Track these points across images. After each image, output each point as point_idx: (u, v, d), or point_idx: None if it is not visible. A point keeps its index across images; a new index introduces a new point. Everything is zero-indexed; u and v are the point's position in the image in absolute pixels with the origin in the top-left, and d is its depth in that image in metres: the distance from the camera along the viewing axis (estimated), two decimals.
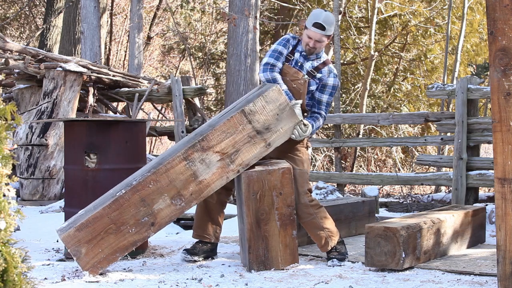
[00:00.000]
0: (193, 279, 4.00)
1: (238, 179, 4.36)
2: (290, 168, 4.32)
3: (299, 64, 4.59)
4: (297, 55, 4.59)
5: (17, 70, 8.31)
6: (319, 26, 4.42)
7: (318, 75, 4.61)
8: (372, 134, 14.09)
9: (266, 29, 16.30)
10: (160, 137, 12.57)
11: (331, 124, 10.65)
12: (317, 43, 4.50)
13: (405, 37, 14.92)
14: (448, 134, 8.26)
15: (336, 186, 8.21)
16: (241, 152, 4.24)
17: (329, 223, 4.55)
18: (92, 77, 8.74)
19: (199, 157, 4.19)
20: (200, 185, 4.20)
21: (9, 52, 8.52)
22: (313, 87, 4.62)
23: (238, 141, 4.24)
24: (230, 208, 6.99)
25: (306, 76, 4.57)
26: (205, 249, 4.67)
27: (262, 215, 4.26)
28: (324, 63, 4.65)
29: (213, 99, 17.41)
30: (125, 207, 4.11)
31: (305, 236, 5.17)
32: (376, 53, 13.87)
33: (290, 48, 4.60)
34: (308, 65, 4.60)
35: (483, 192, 8.24)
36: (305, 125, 4.35)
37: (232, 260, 4.61)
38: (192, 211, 6.87)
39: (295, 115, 4.34)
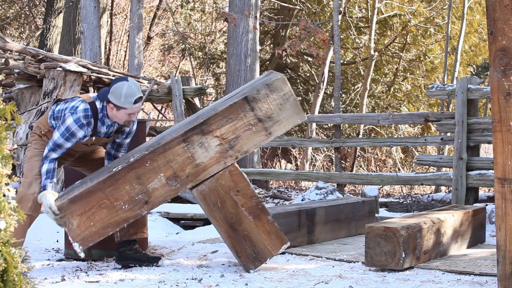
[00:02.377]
0: (193, 279, 4.00)
1: (194, 198, 4.33)
2: (235, 165, 4.26)
3: (110, 132, 4.43)
4: (104, 128, 4.37)
5: (17, 70, 8.31)
6: (139, 99, 4.28)
7: (125, 129, 4.48)
8: (372, 134, 14.09)
9: (266, 29, 16.30)
10: None
11: (331, 124, 10.65)
12: (135, 115, 4.37)
13: (405, 37, 14.93)
14: (448, 134, 8.26)
15: (336, 186, 8.21)
16: (241, 138, 4.21)
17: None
18: (92, 77, 8.74)
19: (198, 140, 4.16)
20: (197, 168, 4.17)
21: (9, 52, 8.51)
22: (120, 139, 4.52)
23: (239, 127, 4.21)
24: None
25: (115, 135, 4.46)
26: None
27: (232, 219, 4.23)
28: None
29: (213, 99, 17.41)
30: (120, 183, 4.09)
31: (305, 236, 5.18)
32: (376, 53, 13.87)
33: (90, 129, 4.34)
34: (115, 127, 4.41)
35: (483, 192, 8.24)
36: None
37: (232, 260, 4.61)
38: (193, 211, 6.87)
39: (298, 106, 4.31)
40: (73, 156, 4.50)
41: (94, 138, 4.36)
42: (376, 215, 6.55)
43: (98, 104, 4.30)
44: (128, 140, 4.57)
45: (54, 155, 4.25)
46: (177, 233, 6.43)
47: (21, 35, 18.72)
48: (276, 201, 8.96)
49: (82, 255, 4.05)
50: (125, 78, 4.32)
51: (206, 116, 4.19)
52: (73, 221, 4.06)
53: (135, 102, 4.25)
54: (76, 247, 4.03)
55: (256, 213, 4.26)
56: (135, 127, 4.56)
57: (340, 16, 11.13)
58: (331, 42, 11.52)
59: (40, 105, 8.23)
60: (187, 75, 13.45)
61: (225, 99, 4.47)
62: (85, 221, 4.06)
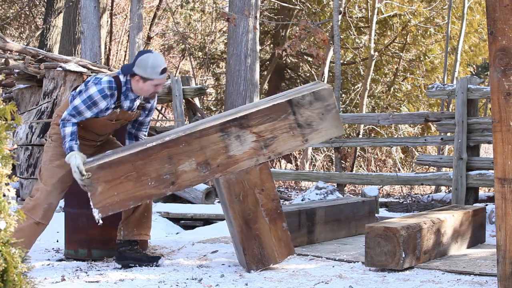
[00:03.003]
0: (193, 279, 4.00)
1: (217, 184, 4.34)
2: (267, 164, 4.28)
3: (133, 107, 4.44)
4: (127, 102, 4.38)
5: (17, 70, 8.31)
6: (165, 70, 4.31)
7: (147, 105, 4.51)
8: (372, 134, 14.09)
9: (266, 29, 16.30)
10: None
11: None
12: (161, 86, 4.41)
13: (405, 37, 14.92)
14: (448, 134, 8.26)
15: (336, 186, 8.21)
16: (277, 139, 4.23)
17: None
18: None
19: (236, 132, 4.18)
20: (229, 160, 4.18)
21: (9, 52, 8.52)
22: (142, 116, 4.54)
23: (278, 128, 4.23)
24: None
25: (138, 112, 4.47)
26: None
27: (249, 215, 4.23)
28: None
29: (213, 99, 17.42)
30: (151, 159, 4.10)
31: (305, 236, 5.18)
32: (376, 53, 13.87)
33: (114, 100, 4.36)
34: (138, 101, 4.44)
35: (483, 192, 8.24)
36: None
37: (232, 260, 4.60)
38: (193, 211, 6.87)
39: (339, 120, 4.34)
40: (95, 143, 4.49)
41: (118, 111, 4.33)
42: (376, 215, 6.55)
43: (122, 78, 4.30)
44: (149, 119, 4.59)
45: (74, 120, 4.23)
46: (177, 233, 6.43)
47: (21, 35, 18.72)
48: None
49: (100, 222, 4.05)
50: (150, 50, 4.36)
51: (248, 111, 4.24)
52: (98, 187, 4.05)
53: (161, 72, 4.27)
54: (95, 213, 4.03)
55: (273, 216, 4.27)
56: (155, 103, 4.58)
57: (340, 16, 11.13)
58: (331, 42, 11.52)
59: (40, 105, 8.23)
60: (187, 75, 13.44)
61: (269, 99, 4.53)
62: (109, 189, 4.05)
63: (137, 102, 4.42)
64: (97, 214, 4.02)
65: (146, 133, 4.63)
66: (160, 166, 4.10)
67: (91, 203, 4.04)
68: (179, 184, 4.14)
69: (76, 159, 4.06)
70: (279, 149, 4.24)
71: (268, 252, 4.26)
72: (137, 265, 4.42)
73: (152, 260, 4.45)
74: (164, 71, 4.28)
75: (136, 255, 4.46)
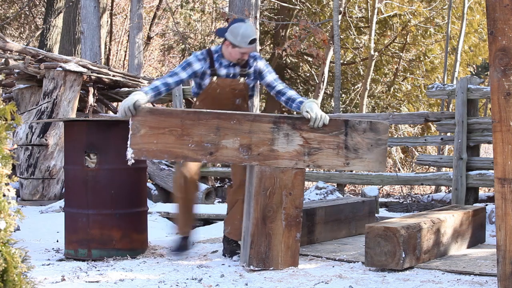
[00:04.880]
0: (193, 279, 4.00)
1: (250, 173, 4.38)
2: (303, 170, 4.33)
3: (230, 74, 4.71)
4: (222, 68, 4.70)
5: (17, 70, 8.31)
6: (253, 41, 4.57)
7: (249, 71, 4.73)
8: None
9: (266, 29, 16.30)
10: None
11: None
12: (247, 54, 4.67)
13: (405, 37, 14.92)
14: (448, 134, 8.26)
15: (336, 186, 8.21)
16: (321, 152, 4.31)
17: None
18: (92, 77, 8.74)
19: (287, 130, 4.27)
20: (270, 153, 4.25)
21: (9, 52, 8.52)
22: (252, 83, 4.77)
23: (326, 141, 4.32)
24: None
25: (242, 79, 4.71)
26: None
27: (269, 212, 4.26)
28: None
29: None
30: (200, 123, 4.18)
31: (305, 236, 5.18)
32: (376, 53, 13.87)
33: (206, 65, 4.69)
34: (237, 69, 4.71)
35: (483, 192, 8.24)
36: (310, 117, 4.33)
37: (232, 260, 4.60)
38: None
39: (385, 157, 4.41)
40: None
41: (215, 79, 4.65)
42: (376, 215, 6.55)
43: (213, 48, 4.71)
44: (269, 79, 4.70)
45: (169, 80, 4.55)
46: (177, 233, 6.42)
47: (21, 35, 18.72)
48: None
49: (130, 162, 4.13)
50: (243, 20, 4.67)
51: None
52: (141, 129, 4.14)
53: (250, 42, 4.54)
54: (129, 152, 4.11)
55: (291, 223, 4.30)
56: (259, 63, 4.73)
57: (340, 16, 11.14)
58: (331, 42, 11.52)
59: (40, 105, 8.23)
60: None
61: (331, 115, 4.67)
62: (151, 135, 4.14)
63: (235, 70, 4.67)
64: (130, 154, 4.12)
65: (283, 85, 4.70)
66: (205, 132, 4.20)
67: (128, 142, 4.14)
68: (216, 157, 4.23)
69: (133, 95, 4.23)
70: (319, 162, 4.32)
71: (274, 255, 4.28)
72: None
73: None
74: (252, 41, 4.55)
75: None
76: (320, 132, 4.30)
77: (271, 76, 4.73)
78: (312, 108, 4.34)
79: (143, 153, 4.14)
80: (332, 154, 4.32)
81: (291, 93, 4.63)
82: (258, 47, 10.78)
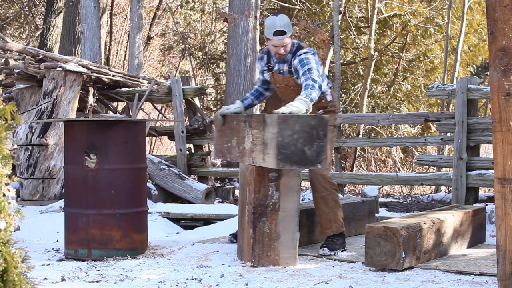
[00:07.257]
0: (193, 279, 4.00)
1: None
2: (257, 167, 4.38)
3: (281, 70, 4.84)
4: (275, 65, 4.87)
5: (17, 70, 8.31)
6: (279, 33, 4.61)
7: (292, 68, 4.78)
8: (372, 134, 14.09)
9: None
10: (160, 137, 12.57)
11: None
12: (282, 48, 4.70)
13: (405, 37, 14.91)
14: (448, 134, 8.25)
15: None
16: (256, 148, 4.48)
17: (339, 210, 4.81)
18: (92, 77, 8.74)
19: (247, 128, 4.51)
20: (243, 150, 4.50)
21: (9, 52, 8.52)
22: (299, 80, 4.76)
23: (259, 138, 4.49)
24: (230, 209, 6.99)
25: (289, 76, 4.80)
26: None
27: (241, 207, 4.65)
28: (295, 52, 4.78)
29: (213, 99, 17.41)
30: (239, 128, 4.53)
31: (305, 236, 5.17)
32: (376, 53, 13.87)
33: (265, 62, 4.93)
34: (285, 66, 4.80)
35: (483, 192, 8.24)
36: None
37: (232, 260, 4.60)
38: (193, 211, 6.86)
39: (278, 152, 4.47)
40: None
41: (271, 74, 4.87)
42: (376, 215, 6.55)
43: None
44: (301, 78, 4.58)
45: (257, 84, 5.08)
46: (177, 233, 6.42)
47: (21, 35, 18.72)
48: None
49: (215, 161, 4.36)
50: (276, 14, 4.77)
51: None
52: (216, 132, 4.94)
53: (274, 34, 4.60)
54: (213, 153, 4.58)
55: (249, 217, 4.42)
56: (295, 61, 4.70)
57: (340, 16, 11.14)
58: (331, 42, 11.52)
59: (40, 105, 8.23)
60: (187, 75, 13.44)
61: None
62: (218, 136, 4.83)
63: (284, 66, 4.79)
64: (213, 154, 4.52)
65: (304, 90, 4.44)
66: (236, 135, 4.58)
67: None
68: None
69: (231, 105, 4.85)
70: (256, 159, 4.42)
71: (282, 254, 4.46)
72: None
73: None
74: (276, 33, 4.59)
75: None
76: (255, 129, 4.34)
77: (302, 77, 4.59)
78: (288, 105, 4.23)
79: (217, 153, 4.87)
80: (259, 150, 4.28)
81: (301, 92, 4.51)
82: (258, 47, 10.80)
